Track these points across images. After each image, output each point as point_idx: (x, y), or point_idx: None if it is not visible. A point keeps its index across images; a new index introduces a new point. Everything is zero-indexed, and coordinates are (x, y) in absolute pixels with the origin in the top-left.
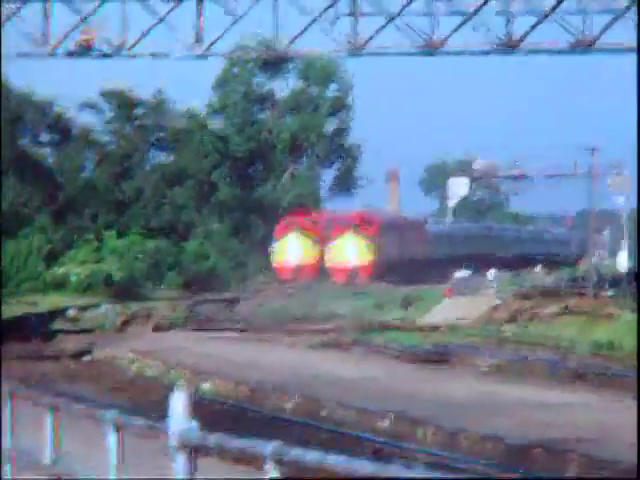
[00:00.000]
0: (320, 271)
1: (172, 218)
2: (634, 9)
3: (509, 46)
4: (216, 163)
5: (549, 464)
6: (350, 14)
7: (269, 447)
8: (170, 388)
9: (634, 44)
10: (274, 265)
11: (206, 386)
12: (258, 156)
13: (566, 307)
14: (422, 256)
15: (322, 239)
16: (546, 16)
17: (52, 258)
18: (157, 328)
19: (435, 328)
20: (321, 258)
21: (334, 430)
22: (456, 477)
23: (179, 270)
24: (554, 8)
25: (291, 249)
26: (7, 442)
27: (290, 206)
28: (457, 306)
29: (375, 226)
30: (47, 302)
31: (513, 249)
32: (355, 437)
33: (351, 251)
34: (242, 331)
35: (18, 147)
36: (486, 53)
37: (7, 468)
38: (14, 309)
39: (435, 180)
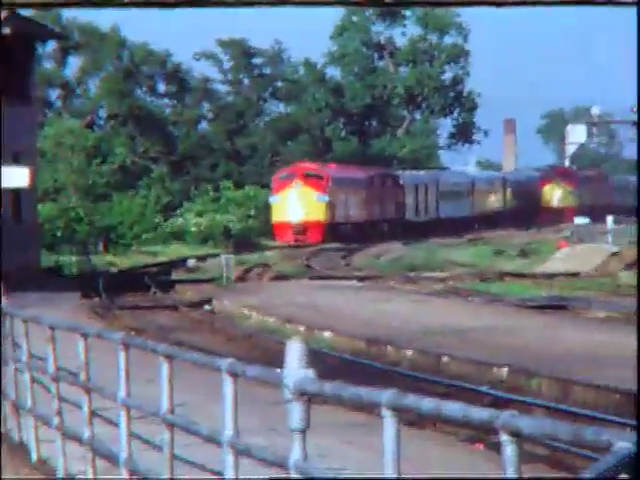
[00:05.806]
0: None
1: None
2: None
3: None
4: (330, 118)
5: None
6: None
7: (385, 395)
8: (285, 340)
9: None
10: (273, 224)
11: (321, 339)
12: (373, 110)
13: None
14: (608, 203)
15: (330, 194)
16: None
17: (170, 209)
18: (274, 279)
19: (552, 277)
20: (330, 216)
21: (449, 384)
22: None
23: None
24: None
25: (292, 205)
26: (121, 393)
27: (405, 160)
28: (574, 255)
29: (575, 178)
30: (167, 252)
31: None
32: (470, 390)
33: (557, 197)
34: (361, 279)
35: (135, 99)
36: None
37: (122, 418)
38: (135, 259)
39: (554, 128)
